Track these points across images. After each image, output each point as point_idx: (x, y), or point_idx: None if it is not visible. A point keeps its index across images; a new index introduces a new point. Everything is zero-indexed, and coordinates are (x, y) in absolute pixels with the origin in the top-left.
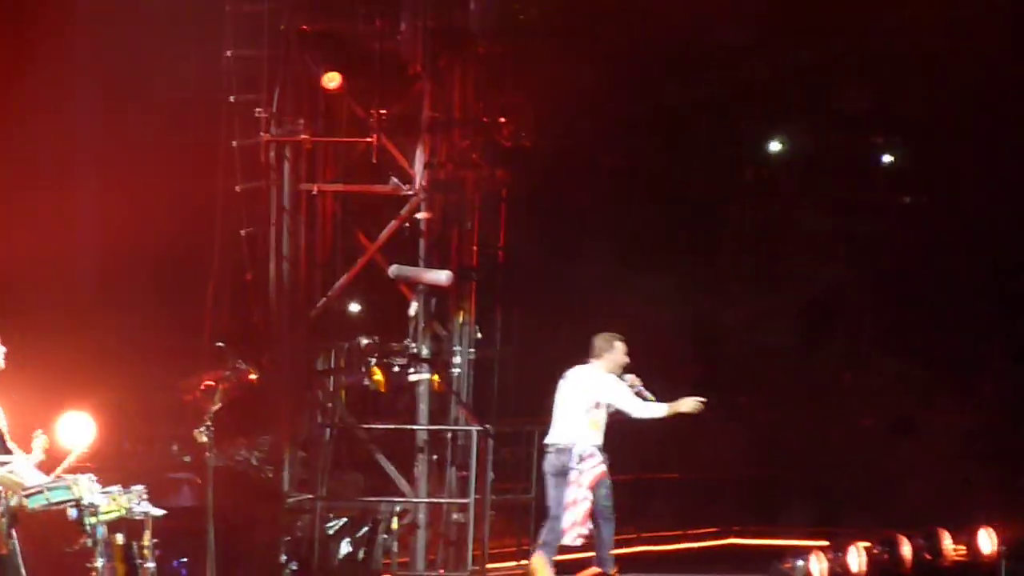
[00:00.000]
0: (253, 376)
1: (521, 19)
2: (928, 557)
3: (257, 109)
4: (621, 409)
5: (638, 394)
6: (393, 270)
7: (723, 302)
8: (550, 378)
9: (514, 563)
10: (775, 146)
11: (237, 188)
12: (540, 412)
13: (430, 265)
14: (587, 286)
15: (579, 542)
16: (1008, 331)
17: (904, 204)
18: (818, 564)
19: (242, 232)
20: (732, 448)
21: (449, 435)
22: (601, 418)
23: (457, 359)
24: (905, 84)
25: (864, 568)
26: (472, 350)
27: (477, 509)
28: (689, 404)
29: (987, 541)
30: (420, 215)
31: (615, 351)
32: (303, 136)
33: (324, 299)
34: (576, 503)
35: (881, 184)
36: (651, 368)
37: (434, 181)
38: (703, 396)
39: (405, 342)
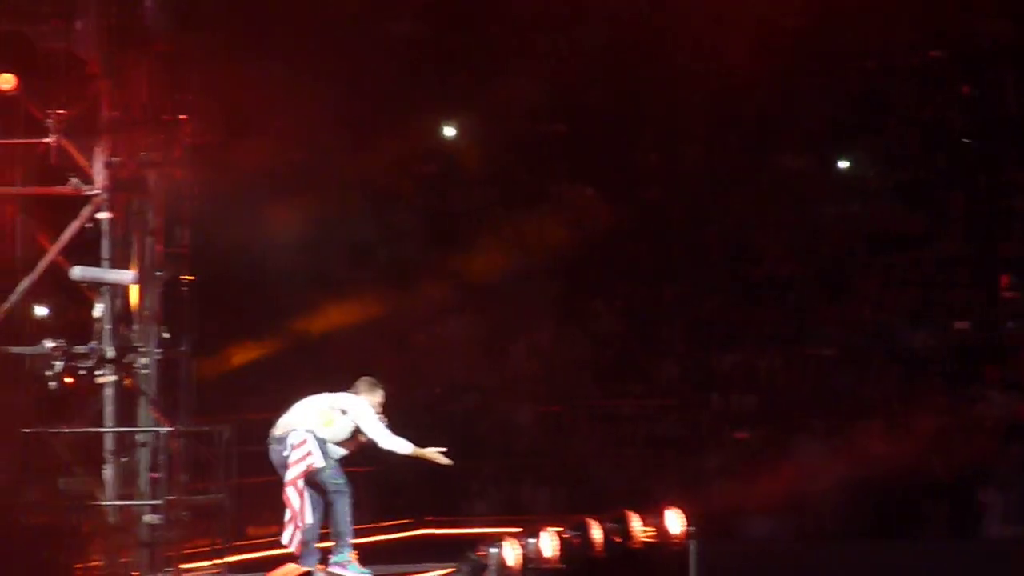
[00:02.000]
0: None
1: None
2: (618, 540)
3: None
4: (366, 432)
5: None
6: (76, 272)
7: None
8: (239, 376)
9: (208, 563)
10: None
11: None
12: (230, 411)
13: (114, 266)
14: (277, 284)
15: (294, 541)
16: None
17: None
18: (511, 551)
19: None
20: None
21: (139, 436)
22: (340, 424)
23: (144, 360)
24: None
25: (556, 553)
26: (159, 350)
27: (170, 510)
28: (433, 454)
29: (675, 522)
30: (102, 215)
31: (375, 395)
32: None
33: (7, 304)
34: (288, 500)
35: None
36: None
37: (116, 181)
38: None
39: (91, 344)
